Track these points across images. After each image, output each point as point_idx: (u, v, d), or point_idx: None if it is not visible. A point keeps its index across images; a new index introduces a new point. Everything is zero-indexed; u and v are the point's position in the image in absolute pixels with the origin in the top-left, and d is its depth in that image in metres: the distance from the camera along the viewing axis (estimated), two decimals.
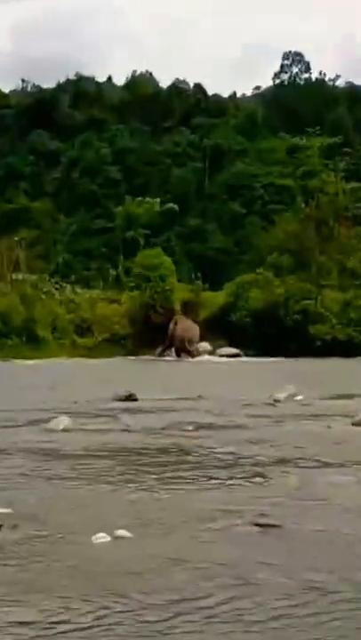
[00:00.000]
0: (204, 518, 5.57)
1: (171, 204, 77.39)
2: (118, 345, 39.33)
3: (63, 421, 10.64)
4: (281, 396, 14.69)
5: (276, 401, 14.28)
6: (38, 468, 7.60)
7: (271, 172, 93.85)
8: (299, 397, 14.86)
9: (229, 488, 6.73)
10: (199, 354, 37.74)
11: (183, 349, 37.48)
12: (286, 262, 43.78)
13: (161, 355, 37.53)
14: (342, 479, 7.06)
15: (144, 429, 10.52)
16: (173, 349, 38.13)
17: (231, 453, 8.52)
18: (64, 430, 10.28)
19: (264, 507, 5.89)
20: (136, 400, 14.36)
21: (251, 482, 6.96)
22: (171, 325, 38.16)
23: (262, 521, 5.43)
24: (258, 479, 7.06)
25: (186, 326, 38.05)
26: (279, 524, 5.35)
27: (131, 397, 14.42)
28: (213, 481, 7.01)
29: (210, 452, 8.63)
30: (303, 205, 48.82)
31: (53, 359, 34.10)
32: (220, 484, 6.90)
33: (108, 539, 5.01)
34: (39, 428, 10.60)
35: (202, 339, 39.84)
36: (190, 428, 10.60)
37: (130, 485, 6.78)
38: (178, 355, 37.43)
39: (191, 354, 37.44)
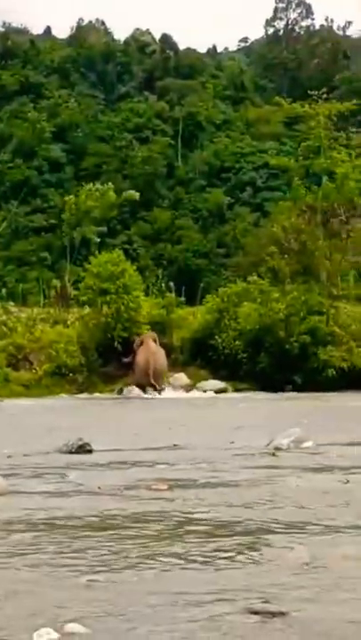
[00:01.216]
0: (185, 605, 5.51)
1: (131, 192, 77.39)
2: (65, 380, 39.14)
3: None
4: (284, 442, 14.69)
5: (278, 449, 14.28)
6: None
7: (264, 150, 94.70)
8: (307, 444, 14.86)
9: (217, 565, 6.68)
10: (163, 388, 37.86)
11: (147, 383, 37.41)
12: (287, 267, 43.93)
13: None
14: None
15: (102, 490, 10.45)
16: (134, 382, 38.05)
17: (219, 520, 8.48)
18: None
19: (263, 588, 5.85)
20: (91, 452, 14.29)
21: (245, 556, 6.92)
22: (135, 346, 38.19)
23: (261, 607, 5.38)
24: (254, 552, 7.03)
25: (152, 351, 37.99)
26: (283, 611, 5.31)
27: (83, 448, 14.35)
28: (195, 556, 6.95)
29: (190, 519, 8.58)
30: (306, 192, 48.99)
31: None
32: (204, 559, 6.85)
33: (55, 636, 4.93)
34: None
35: (178, 369, 39.76)
36: (164, 487, 10.55)
37: (84, 565, 6.71)
38: (142, 389, 37.40)
39: (157, 388, 37.44)
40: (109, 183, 66.41)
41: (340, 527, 8.02)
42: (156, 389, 37.22)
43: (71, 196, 66.72)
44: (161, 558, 6.92)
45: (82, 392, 37.76)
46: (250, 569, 6.52)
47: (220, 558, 6.87)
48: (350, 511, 8.88)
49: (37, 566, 6.70)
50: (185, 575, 6.40)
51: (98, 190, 64.74)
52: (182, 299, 46.37)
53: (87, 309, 41.58)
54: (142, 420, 24.90)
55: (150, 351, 37.96)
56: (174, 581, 6.19)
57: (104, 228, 69.58)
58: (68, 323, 42.29)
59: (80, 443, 14.48)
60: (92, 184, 66.42)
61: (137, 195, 77.13)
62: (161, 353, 38.45)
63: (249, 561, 6.78)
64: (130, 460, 13.38)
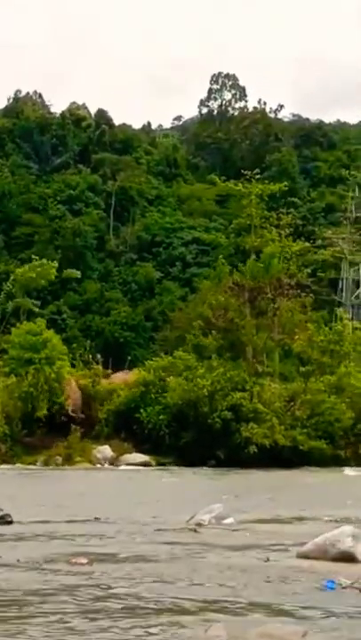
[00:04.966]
0: None
1: (72, 270, 77.29)
2: None
3: None
4: (204, 518, 14.64)
5: (199, 525, 14.22)
6: None
7: (195, 226, 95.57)
8: (228, 521, 14.82)
9: None
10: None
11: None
12: (213, 343, 44.13)
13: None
14: (284, 630, 7.01)
15: (21, 563, 10.31)
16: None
17: (137, 595, 8.40)
18: None
19: None
20: (11, 523, 14.14)
21: (162, 633, 6.86)
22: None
23: None
24: (172, 630, 6.96)
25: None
26: None
27: (4, 519, 14.21)
28: (112, 633, 6.88)
29: (108, 594, 8.49)
30: (232, 269, 49.43)
31: None
32: (120, 636, 6.77)
33: None
34: None
35: (102, 442, 39.59)
36: (84, 560, 10.44)
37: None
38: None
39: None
40: (54, 261, 65.34)
41: (259, 605, 7.97)
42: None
43: (25, 267, 65.28)
44: (76, 632, 6.84)
45: (4, 462, 37.36)
46: None
47: (136, 635, 6.80)
48: (269, 589, 8.85)
49: None
50: None
51: (42, 266, 63.74)
52: (109, 372, 46.18)
53: (12, 379, 41.27)
54: (64, 491, 24.67)
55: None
56: None
57: (38, 302, 69.26)
58: None
59: (0, 513, 14.32)
60: (37, 259, 65.28)
61: (78, 273, 77.37)
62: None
63: (164, 639, 6.72)
64: (51, 533, 13.24)
